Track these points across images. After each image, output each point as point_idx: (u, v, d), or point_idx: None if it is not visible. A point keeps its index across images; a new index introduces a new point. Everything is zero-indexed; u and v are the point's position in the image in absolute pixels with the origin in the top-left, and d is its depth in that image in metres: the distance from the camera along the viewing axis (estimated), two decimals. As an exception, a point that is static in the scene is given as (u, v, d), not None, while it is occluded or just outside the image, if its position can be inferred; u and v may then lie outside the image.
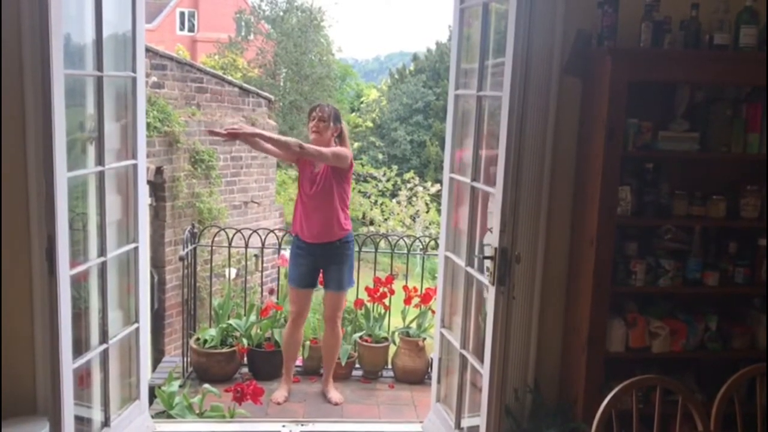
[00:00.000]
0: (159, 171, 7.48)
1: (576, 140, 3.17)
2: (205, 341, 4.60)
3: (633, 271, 3.08)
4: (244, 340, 4.63)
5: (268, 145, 3.98)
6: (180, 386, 4.06)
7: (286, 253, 5.22)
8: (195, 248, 5.00)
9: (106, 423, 3.17)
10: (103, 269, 3.10)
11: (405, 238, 5.77)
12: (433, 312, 4.53)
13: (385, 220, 17.36)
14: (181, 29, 28.55)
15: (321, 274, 4.19)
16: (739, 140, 3.12)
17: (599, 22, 2.99)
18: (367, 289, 4.87)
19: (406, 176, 18.35)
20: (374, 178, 19.37)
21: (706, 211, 3.13)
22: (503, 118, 2.73)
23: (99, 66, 2.97)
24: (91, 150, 3.05)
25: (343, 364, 4.57)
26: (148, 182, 6.20)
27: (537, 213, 3.17)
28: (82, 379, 3.04)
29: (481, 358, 2.99)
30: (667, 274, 3.10)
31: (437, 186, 16.69)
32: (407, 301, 4.83)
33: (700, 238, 3.15)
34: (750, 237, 3.19)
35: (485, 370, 2.89)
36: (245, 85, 9.82)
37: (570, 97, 3.13)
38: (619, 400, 2.32)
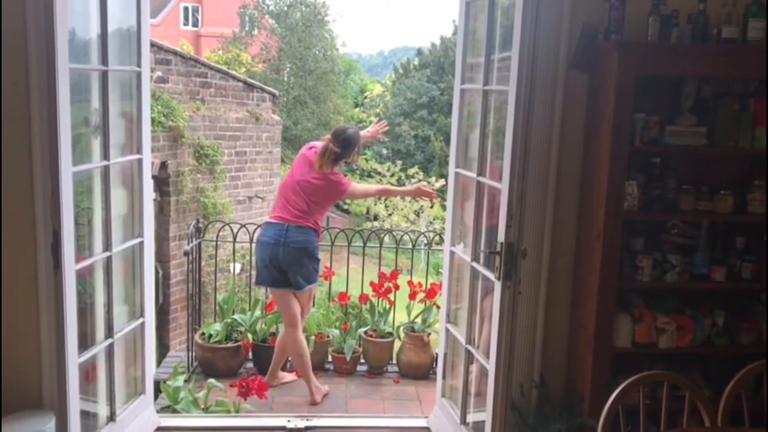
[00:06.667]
0: (163, 166, 7.48)
1: (582, 135, 3.16)
2: (210, 336, 4.60)
3: (640, 266, 3.07)
4: (249, 335, 4.63)
5: None
6: (185, 381, 4.06)
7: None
8: (200, 243, 5.00)
9: (111, 417, 3.17)
10: (108, 264, 3.10)
11: (409, 234, 5.76)
12: (438, 307, 4.53)
13: (389, 215, 17.34)
14: (185, 24, 28.53)
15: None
16: (747, 135, 3.10)
17: (606, 16, 2.97)
18: (371, 284, 4.87)
19: (411, 171, 18.33)
20: (378, 173, 19.35)
21: (713, 206, 3.11)
22: (509, 112, 2.72)
23: (104, 60, 2.97)
24: (96, 144, 3.05)
25: (348, 359, 4.57)
26: (153, 177, 6.20)
27: (543, 208, 3.16)
28: (88, 373, 3.05)
29: (486, 354, 2.99)
30: (674, 270, 3.09)
31: (441, 181, 16.67)
32: (412, 296, 4.83)
33: (707, 233, 3.14)
34: (757, 232, 3.17)
35: (491, 366, 2.89)
36: (249, 80, 9.82)
37: (576, 92, 3.11)
38: (626, 395, 2.31)
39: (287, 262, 3.97)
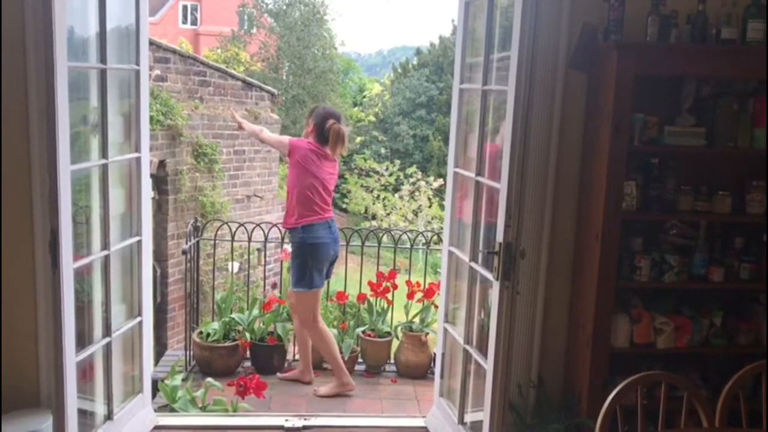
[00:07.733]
0: (162, 164, 7.47)
1: (581, 135, 3.16)
2: (208, 335, 4.60)
3: (638, 267, 3.07)
4: (247, 334, 4.63)
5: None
6: (183, 380, 4.06)
7: (289, 247, 5.21)
8: (198, 242, 4.99)
9: (109, 416, 3.17)
10: (106, 263, 3.10)
11: (408, 233, 5.77)
12: (436, 307, 4.53)
13: (388, 214, 17.35)
14: (184, 22, 28.51)
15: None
16: (746, 135, 3.10)
17: (606, 16, 2.97)
18: (370, 283, 4.87)
19: (409, 171, 18.32)
20: (377, 172, 19.36)
21: (711, 207, 3.11)
22: (508, 112, 2.72)
23: (102, 59, 2.96)
24: (95, 143, 3.05)
25: (346, 358, 4.57)
26: (151, 176, 6.19)
27: (542, 208, 3.16)
28: (86, 372, 3.04)
29: (484, 353, 2.99)
30: (673, 270, 3.09)
31: (440, 181, 16.68)
32: (410, 295, 4.83)
33: (706, 233, 3.14)
34: (756, 233, 3.17)
35: (489, 365, 2.88)
36: (248, 79, 9.81)
37: (576, 92, 3.11)
38: (624, 395, 2.31)
39: (335, 258, 4.21)
